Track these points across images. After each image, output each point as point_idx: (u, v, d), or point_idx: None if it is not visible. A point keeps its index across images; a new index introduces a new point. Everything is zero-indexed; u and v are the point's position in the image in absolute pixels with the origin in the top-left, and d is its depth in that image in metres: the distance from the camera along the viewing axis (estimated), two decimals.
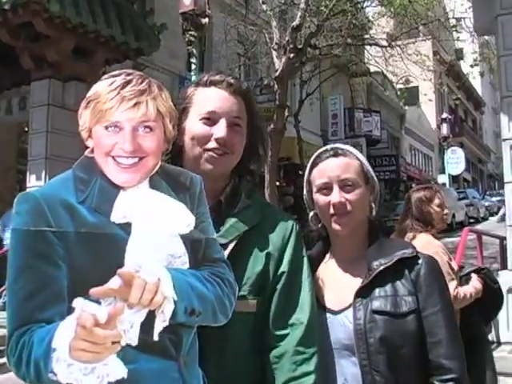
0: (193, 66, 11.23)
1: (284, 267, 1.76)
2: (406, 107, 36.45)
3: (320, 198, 1.89)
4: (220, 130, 1.75)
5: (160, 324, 1.33)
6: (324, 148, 1.98)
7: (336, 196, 1.84)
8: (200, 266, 1.49)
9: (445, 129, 34.46)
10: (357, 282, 1.83)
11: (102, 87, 1.42)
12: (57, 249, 1.36)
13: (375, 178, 1.95)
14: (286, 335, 1.71)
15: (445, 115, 35.11)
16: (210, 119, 1.77)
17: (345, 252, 1.93)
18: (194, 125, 1.78)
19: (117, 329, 1.19)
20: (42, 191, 1.44)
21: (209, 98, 1.80)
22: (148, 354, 1.38)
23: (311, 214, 1.97)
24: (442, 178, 36.44)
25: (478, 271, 3.83)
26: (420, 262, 1.84)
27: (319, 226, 1.97)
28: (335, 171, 1.87)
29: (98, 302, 1.23)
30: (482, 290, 3.68)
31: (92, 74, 9.83)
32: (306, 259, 1.81)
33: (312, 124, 25.29)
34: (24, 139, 12.57)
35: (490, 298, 3.72)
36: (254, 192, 1.88)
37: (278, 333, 1.71)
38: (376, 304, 1.77)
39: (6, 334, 1.35)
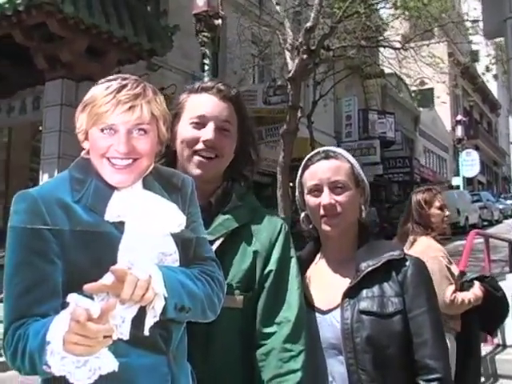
0: (206, 67, 11.26)
1: (271, 266, 1.79)
2: (421, 109, 36.33)
3: (311, 200, 1.92)
4: (208, 132, 1.81)
5: (151, 319, 1.37)
6: (316, 151, 2.01)
7: (326, 198, 1.88)
8: (190, 264, 1.53)
9: (459, 131, 34.32)
10: (345, 283, 1.86)
11: (99, 91, 1.47)
12: (52, 246, 1.41)
13: (366, 180, 1.98)
14: (273, 333, 1.73)
15: (459, 117, 34.97)
16: (199, 123, 1.82)
17: (334, 253, 1.96)
18: (184, 129, 1.84)
19: (109, 323, 1.23)
20: (39, 190, 1.48)
21: (199, 104, 1.86)
22: (139, 348, 1.42)
23: (302, 214, 2.00)
24: (457, 181, 36.29)
25: (481, 279, 3.76)
26: (407, 263, 1.86)
27: (310, 226, 2.00)
28: (326, 173, 1.90)
29: (91, 297, 1.28)
30: (482, 297, 3.63)
31: (105, 74, 9.74)
32: (294, 259, 1.84)
33: (326, 125, 25.27)
34: (38, 138, 12.68)
35: (492, 306, 3.66)
36: (246, 195, 1.92)
37: (266, 330, 1.74)
38: (363, 304, 1.79)
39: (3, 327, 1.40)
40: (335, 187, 1.89)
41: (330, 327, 1.83)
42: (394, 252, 1.88)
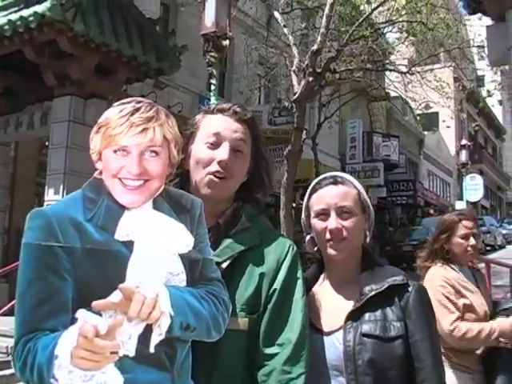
0: (212, 87, 11.33)
1: (276, 285, 1.79)
2: (425, 132, 36.37)
3: (317, 224, 1.96)
4: (222, 152, 1.82)
5: (156, 337, 1.41)
6: (324, 175, 2.05)
7: (333, 222, 1.92)
8: (197, 284, 1.57)
9: (464, 155, 34.20)
10: (348, 306, 1.89)
11: (113, 114, 1.52)
12: (64, 263, 1.45)
13: (371, 207, 2.03)
14: (274, 354, 1.74)
15: (464, 142, 34.85)
16: (214, 144, 1.84)
17: (338, 276, 1.99)
18: (199, 149, 1.86)
19: (116, 340, 1.27)
20: (53, 208, 1.53)
21: (214, 124, 1.88)
22: (144, 364, 1.45)
23: (308, 237, 2.04)
24: (460, 205, 36.06)
25: None
26: (410, 289, 1.90)
27: (315, 249, 2.04)
28: (334, 199, 1.94)
29: (99, 314, 1.32)
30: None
31: (113, 91, 10.02)
32: (300, 281, 1.84)
33: (330, 147, 25.31)
34: (44, 153, 12.74)
35: None
36: (257, 216, 1.92)
37: (267, 351, 1.75)
38: (366, 327, 1.83)
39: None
40: (342, 212, 1.93)
41: (331, 348, 1.86)
42: (396, 277, 1.91)
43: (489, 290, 6.90)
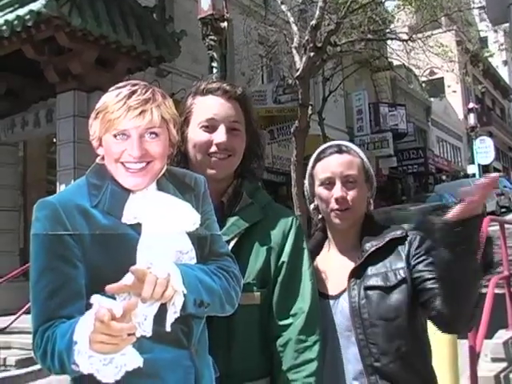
0: (214, 70, 11.30)
1: (284, 257, 1.83)
2: (432, 99, 36.15)
3: (323, 192, 1.97)
4: (220, 135, 1.85)
5: (171, 316, 1.42)
6: (328, 144, 2.06)
7: (338, 191, 1.93)
8: (207, 261, 1.59)
9: (472, 119, 34.04)
10: (351, 266, 1.93)
11: (110, 98, 1.53)
12: (74, 250, 1.46)
13: (374, 176, 2.04)
14: (289, 325, 1.78)
15: (471, 105, 34.68)
16: (210, 126, 1.86)
17: (342, 243, 2.02)
18: (195, 133, 1.88)
19: (132, 322, 1.28)
20: (58, 198, 1.54)
21: (207, 107, 1.89)
22: (162, 343, 1.47)
23: (312, 206, 2.05)
24: (472, 169, 36.03)
25: None
26: (409, 238, 1.93)
27: (319, 217, 2.05)
28: (339, 167, 1.95)
29: (113, 297, 1.34)
30: None
31: (115, 83, 9.88)
32: (306, 251, 1.88)
33: (337, 121, 25.24)
34: (53, 150, 12.79)
35: None
36: (256, 191, 1.96)
37: (282, 323, 1.79)
38: (368, 281, 1.86)
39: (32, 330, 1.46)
40: (347, 181, 1.94)
41: (340, 310, 1.89)
42: (396, 231, 1.94)
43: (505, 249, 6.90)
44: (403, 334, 1.82)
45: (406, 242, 1.91)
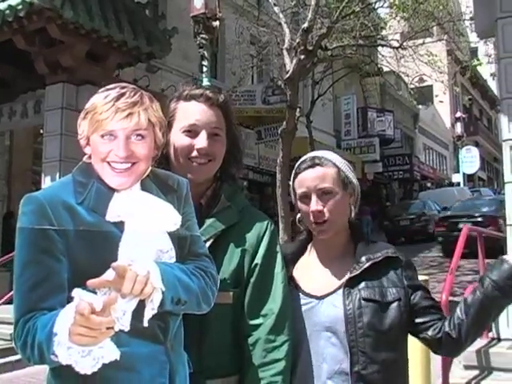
0: (204, 69, 11.33)
1: (257, 260, 1.90)
2: (420, 106, 36.34)
3: (302, 207, 2.04)
4: (201, 141, 1.90)
5: (149, 312, 1.47)
6: (303, 158, 2.10)
7: (314, 205, 1.98)
8: (186, 260, 1.64)
9: (459, 128, 34.24)
10: (341, 272, 1.99)
11: (99, 100, 1.57)
12: (58, 245, 1.51)
13: (355, 181, 2.08)
14: (259, 325, 1.84)
15: (459, 114, 34.88)
16: (192, 131, 1.92)
17: (326, 250, 2.07)
18: (177, 137, 1.93)
19: (111, 316, 1.33)
20: (44, 193, 1.59)
21: (189, 112, 1.94)
22: (139, 338, 1.53)
23: (298, 215, 2.11)
24: (457, 177, 36.26)
25: None
26: (401, 263, 2.02)
27: (307, 226, 2.11)
28: (312, 182, 2.00)
29: (94, 292, 1.39)
30: None
31: (105, 77, 9.98)
32: (279, 255, 1.95)
33: (325, 124, 25.34)
34: (39, 141, 12.75)
35: None
36: (235, 194, 2.02)
37: (252, 322, 1.85)
38: (365, 293, 1.93)
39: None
40: (322, 194, 1.98)
41: (326, 311, 1.94)
42: (389, 250, 2.02)
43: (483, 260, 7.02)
44: (391, 347, 1.91)
45: (398, 266, 2.00)
